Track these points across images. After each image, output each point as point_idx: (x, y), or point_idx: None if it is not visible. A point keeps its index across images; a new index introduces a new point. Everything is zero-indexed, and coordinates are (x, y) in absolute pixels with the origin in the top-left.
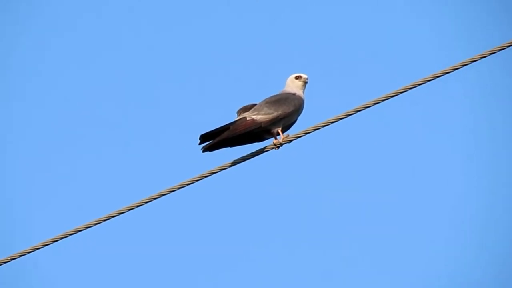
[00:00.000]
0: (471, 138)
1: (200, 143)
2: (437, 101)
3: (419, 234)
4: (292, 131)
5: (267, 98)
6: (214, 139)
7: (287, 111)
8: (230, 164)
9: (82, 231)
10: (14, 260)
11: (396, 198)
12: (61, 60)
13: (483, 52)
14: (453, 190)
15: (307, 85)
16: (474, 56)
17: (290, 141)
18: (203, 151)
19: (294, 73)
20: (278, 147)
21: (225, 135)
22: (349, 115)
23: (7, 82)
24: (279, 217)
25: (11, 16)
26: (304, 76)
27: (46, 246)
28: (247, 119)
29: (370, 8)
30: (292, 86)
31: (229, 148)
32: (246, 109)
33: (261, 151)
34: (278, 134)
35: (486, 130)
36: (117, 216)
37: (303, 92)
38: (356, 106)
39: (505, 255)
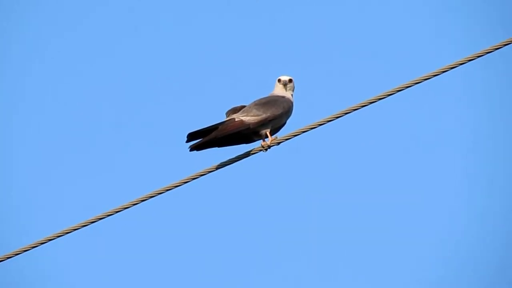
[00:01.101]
0: (465, 138)
1: (187, 141)
2: (429, 101)
3: (414, 234)
4: (281, 134)
5: (256, 100)
6: (202, 139)
7: (276, 113)
8: (216, 166)
9: (70, 233)
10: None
11: (385, 199)
12: (59, 60)
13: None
14: (450, 190)
15: (294, 86)
16: (469, 55)
17: (278, 143)
18: (190, 150)
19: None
20: (266, 149)
21: (213, 135)
22: (337, 117)
23: (6, 82)
24: (266, 219)
25: (9, 16)
26: (283, 78)
27: (43, 245)
28: (236, 120)
29: (365, 8)
30: (278, 89)
31: (216, 148)
32: (235, 110)
33: (248, 154)
34: (267, 136)
35: (481, 130)
36: (105, 218)
37: (292, 95)
38: (344, 109)
39: (502, 256)
